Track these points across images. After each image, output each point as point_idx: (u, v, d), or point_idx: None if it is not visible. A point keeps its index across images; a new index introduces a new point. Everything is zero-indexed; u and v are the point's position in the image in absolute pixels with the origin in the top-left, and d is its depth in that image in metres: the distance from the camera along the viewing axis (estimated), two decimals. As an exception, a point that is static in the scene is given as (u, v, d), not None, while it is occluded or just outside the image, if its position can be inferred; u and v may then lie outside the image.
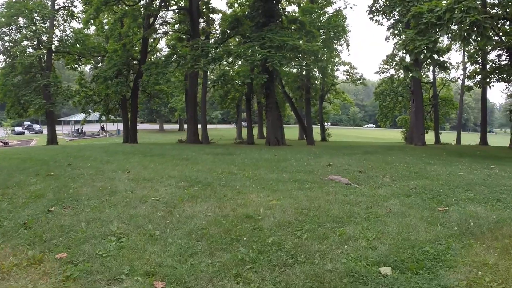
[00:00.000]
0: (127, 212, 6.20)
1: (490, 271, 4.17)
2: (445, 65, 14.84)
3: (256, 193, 7.48)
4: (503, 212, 6.37)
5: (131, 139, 29.80)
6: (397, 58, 37.51)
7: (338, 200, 7.02)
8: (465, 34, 12.30)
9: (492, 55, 28.53)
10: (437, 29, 13.54)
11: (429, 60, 14.38)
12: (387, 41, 40.97)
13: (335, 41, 34.21)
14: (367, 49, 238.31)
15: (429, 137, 32.71)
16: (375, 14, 25.69)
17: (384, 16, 25.53)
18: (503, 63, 26.03)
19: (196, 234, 5.20)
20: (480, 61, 30.22)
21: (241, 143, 32.84)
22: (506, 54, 24.84)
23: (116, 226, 5.46)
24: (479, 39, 13.34)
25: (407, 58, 32.25)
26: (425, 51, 13.42)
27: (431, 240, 5.04)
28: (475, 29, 12.12)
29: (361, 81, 40.29)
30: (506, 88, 35.72)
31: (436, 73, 38.22)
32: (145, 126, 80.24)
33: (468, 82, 34.48)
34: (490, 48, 25.13)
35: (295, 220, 5.73)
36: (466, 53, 36.56)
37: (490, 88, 31.09)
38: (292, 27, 25.38)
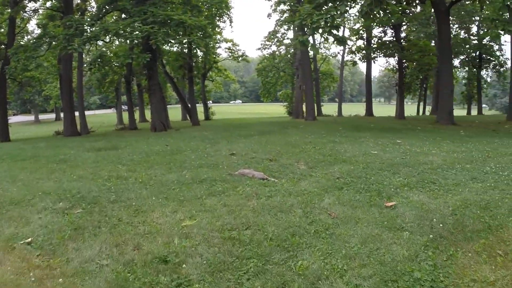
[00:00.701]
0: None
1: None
2: (344, 40, 14.11)
3: (159, 208, 5.51)
4: (447, 198, 5.76)
5: (2, 136, 24.77)
6: (278, 35, 37.31)
7: (265, 206, 5.47)
8: (368, 10, 11.57)
9: (375, 31, 29.50)
10: (337, 4, 12.63)
11: (326, 35, 13.49)
12: (269, 18, 40.54)
13: (217, 18, 32.52)
14: (249, 25, 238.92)
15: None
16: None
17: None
18: (386, 39, 27.01)
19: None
20: (365, 37, 30.96)
21: (123, 129, 29.65)
22: (392, 31, 25.70)
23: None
24: (381, 14, 12.78)
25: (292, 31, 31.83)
26: (323, 26, 12.45)
27: (410, 258, 3.96)
28: (378, 4, 11.43)
29: (243, 58, 39.36)
30: (387, 62, 37.87)
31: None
32: (19, 119, 70.16)
33: (347, 57, 35.50)
34: (375, 24, 25.69)
35: (231, 257, 3.96)
36: (347, 29, 37.55)
37: (374, 63, 32.34)
38: (176, 1, 23.02)
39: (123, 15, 22.81)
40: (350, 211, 5.29)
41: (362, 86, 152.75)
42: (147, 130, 23.83)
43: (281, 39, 38.69)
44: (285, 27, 36.22)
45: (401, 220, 4.92)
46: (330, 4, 12.80)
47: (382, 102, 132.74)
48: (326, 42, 37.40)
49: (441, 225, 4.70)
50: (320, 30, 12.81)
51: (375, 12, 11.73)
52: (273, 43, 39.01)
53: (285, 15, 35.19)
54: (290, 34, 39.00)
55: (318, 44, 37.40)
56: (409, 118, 27.91)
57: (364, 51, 29.48)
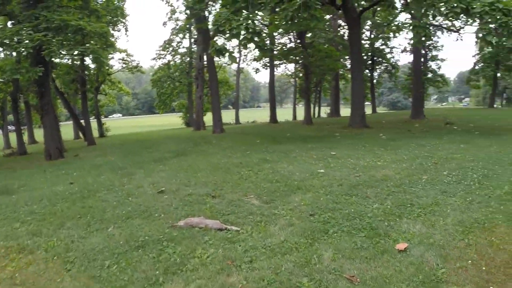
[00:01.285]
0: None
1: None
2: (266, 47, 12.94)
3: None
4: (441, 223, 5.37)
5: None
6: (173, 44, 35.55)
7: (259, 284, 3.92)
8: (295, 15, 10.53)
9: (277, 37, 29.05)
10: (258, 9, 11.39)
11: (247, 42, 12.13)
12: (165, 26, 38.60)
13: (111, 26, 29.51)
14: (142, 34, 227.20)
15: (207, 118, 31.72)
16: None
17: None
18: (291, 45, 26.70)
19: None
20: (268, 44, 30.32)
21: (12, 154, 24.89)
22: (297, 38, 25.39)
23: None
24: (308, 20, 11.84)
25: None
26: (244, 33, 11.13)
27: None
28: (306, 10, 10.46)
29: (137, 69, 36.72)
30: (286, 67, 38.31)
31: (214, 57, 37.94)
32: None
33: (243, 64, 34.96)
34: (282, 32, 25.20)
35: None
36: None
37: (276, 69, 31.89)
38: (73, 5, 19.78)
39: (9, 22, 19.07)
40: (366, 267, 4.16)
41: (254, 92, 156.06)
42: (39, 155, 20.15)
43: (177, 48, 37.00)
44: (181, 35, 34.61)
45: (429, 267, 4.13)
46: (258, 9, 11.48)
47: (278, 107, 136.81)
48: (244, 49, 36.31)
49: (473, 267, 4.13)
50: (241, 37, 11.49)
51: (301, 18, 10.80)
52: (168, 52, 37.11)
53: (180, 23, 33.67)
54: (186, 42, 37.51)
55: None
56: (316, 122, 27.78)
57: (267, 58, 28.94)
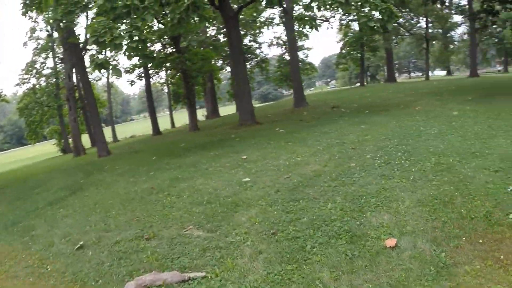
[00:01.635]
0: None
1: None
2: (152, 56, 11.89)
3: None
4: (403, 207, 5.35)
5: None
6: (37, 65, 32.11)
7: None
8: (184, 16, 9.71)
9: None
10: (142, 14, 10.27)
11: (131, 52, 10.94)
12: (26, 47, 34.89)
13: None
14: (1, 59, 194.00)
15: (83, 140, 29.32)
16: (29, 8, 18.62)
17: (38, 11, 19.16)
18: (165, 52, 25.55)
19: None
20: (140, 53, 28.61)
21: None
22: (172, 43, 24.26)
23: None
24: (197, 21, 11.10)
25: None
26: (128, 41, 10.04)
27: None
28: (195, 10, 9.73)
29: (1, 98, 32.56)
30: (158, 75, 36.96)
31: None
32: None
33: (112, 78, 33.05)
34: (155, 38, 23.83)
35: None
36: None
37: (152, 79, 30.35)
38: None
39: None
40: (376, 277, 3.96)
41: (124, 106, 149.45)
42: None
43: (41, 69, 33.67)
44: (44, 55, 31.49)
45: (430, 256, 4.10)
46: (142, 14, 10.32)
47: (147, 116, 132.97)
48: (129, 60, 34.03)
49: (466, 242, 4.23)
50: (125, 47, 10.30)
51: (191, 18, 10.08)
52: (32, 75, 33.65)
53: (42, 42, 30.61)
54: (50, 62, 34.34)
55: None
56: (202, 127, 26.98)
57: (140, 68, 27.46)
